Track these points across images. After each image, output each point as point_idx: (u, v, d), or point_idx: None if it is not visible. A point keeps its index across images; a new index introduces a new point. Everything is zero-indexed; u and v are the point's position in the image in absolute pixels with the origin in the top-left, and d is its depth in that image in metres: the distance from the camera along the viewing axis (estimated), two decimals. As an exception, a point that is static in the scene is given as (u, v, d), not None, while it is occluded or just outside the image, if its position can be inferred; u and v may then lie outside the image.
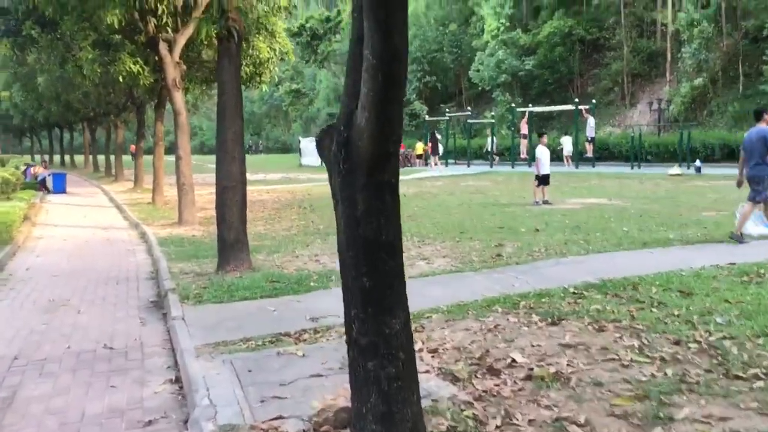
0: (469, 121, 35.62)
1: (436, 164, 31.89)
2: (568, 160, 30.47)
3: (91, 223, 16.40)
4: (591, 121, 28.82)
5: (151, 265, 10.50)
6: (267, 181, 29.19)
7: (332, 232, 12.52)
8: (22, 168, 26.74)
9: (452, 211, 15.34)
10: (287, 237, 12.40)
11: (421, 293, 7.09)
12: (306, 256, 10.13)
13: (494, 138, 32.75)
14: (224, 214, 8.73)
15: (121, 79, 16.50)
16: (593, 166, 27.44)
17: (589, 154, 28.93)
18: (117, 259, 11.22)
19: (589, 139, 29.09)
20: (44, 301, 8.12)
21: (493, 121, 33.78)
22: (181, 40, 14.39)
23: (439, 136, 36.50)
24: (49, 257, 11.42)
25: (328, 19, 63.88)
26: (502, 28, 37.39)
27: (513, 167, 30.59)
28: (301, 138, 45.45)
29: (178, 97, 14.37)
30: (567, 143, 30.67)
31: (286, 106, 68.24)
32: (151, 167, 24.39)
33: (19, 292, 8.62)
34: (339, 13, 62.04)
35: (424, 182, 25.67)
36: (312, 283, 7.95)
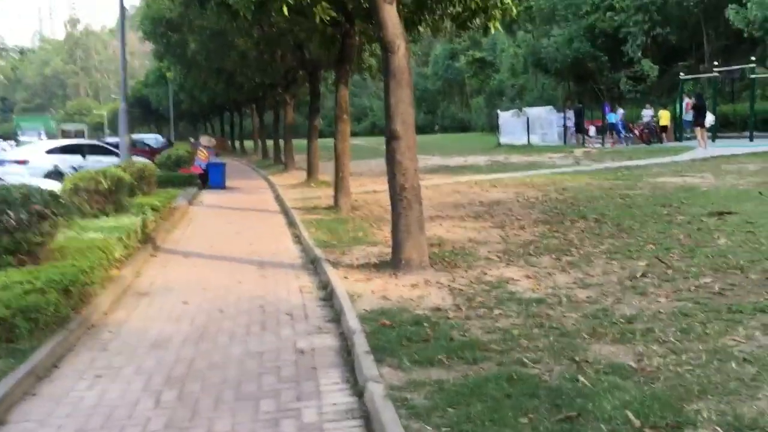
0: (751, 76, 25.81)
1: (703, 138, 22.90)
2: None
3: (244, 250, 9.87)
4: None
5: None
6: (475, 168, 21.83)
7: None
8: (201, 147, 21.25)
9: None
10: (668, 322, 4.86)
11: None
12: None
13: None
14: None
15: (285, 11, 9.61)
16: None
17: None
18: (273, 406, 4.25)
19: None
20: None
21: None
22: None
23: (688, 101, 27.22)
24: (116, 389, 4.69)
25: (516, -25, 55.16)
26: (785, -51, 27.10)
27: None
28: (500, 112, 37.63)
29: (391, 15, 7.27)
30: None
31: (469, 77, 60.56)
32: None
33: None
34: (530, -34, 53.09)
35: (726, 166, 16.98)
36: None
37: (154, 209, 12.24)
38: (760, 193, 11.23)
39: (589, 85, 42.31)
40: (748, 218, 9.06)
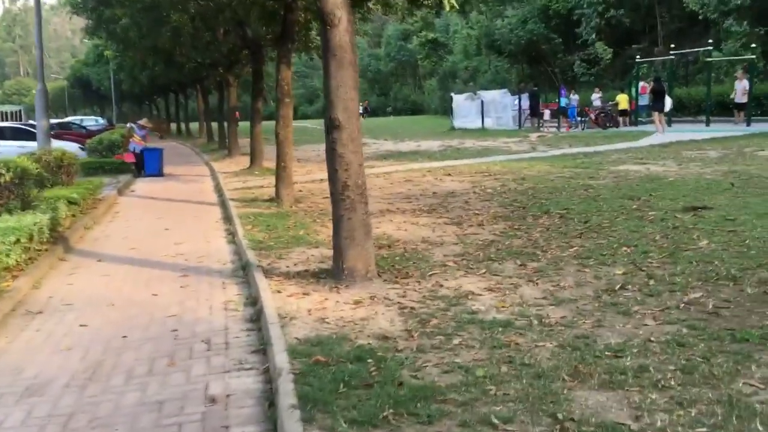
0: (707, 59, 25.31)
1: (661, 123, 22.41)
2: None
3: (169, 251, 8.72)
4: None
5: None
6: (429, 154, 20.87)
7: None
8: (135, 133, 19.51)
9: None
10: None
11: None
12: None
13: (750, 82, 22.65)
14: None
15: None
16: None
17: None
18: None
19: None
20: None
21: (753, 56, 23.38)
22: None
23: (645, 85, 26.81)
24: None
25: (469, -46, 54.09)
26: (739, -71, 26.67)
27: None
28: (453, 95, 36.66)
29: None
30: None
31: (421, 59, 59.48)
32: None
33: None
34: (484, -56, 52.08)
35: (687, 152, 16.39)
36: None
37: (71, 203, 10.97)
38: (732, 184, 10.51)
39: (543, 67, 41.76)
40: (726, 214, 8.28)
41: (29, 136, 19.95)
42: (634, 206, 9.38)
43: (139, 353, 5.04)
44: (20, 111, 68.64)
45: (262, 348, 4.95)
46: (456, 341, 4.65)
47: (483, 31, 44.74)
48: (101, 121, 49.99)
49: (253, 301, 6.16)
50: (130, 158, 19.17)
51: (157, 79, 34.11)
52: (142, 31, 17.71)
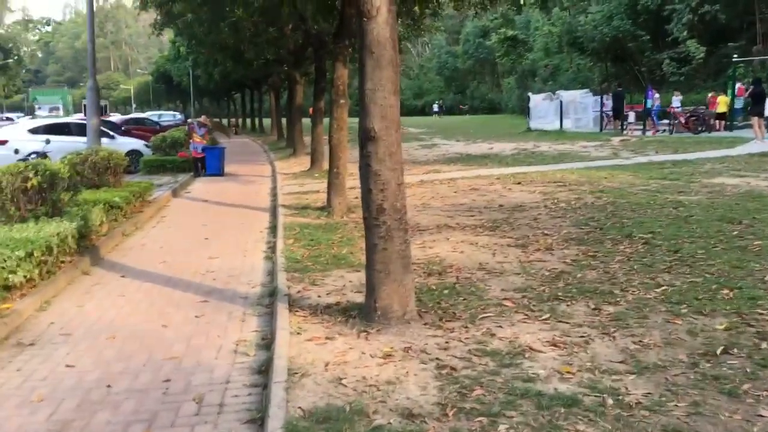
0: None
1: (760, 128, 20.35)
2: None
3: (199, 268, 7.94)
4: None
5: None
6: (500, 159, 19.59)
7: None
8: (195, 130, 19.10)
9: None
10: None
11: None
12: None
13: None
14: None
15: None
16: None
17: None
18: None
19: None
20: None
21: None
22: None
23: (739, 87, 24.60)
24: None
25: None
26: None
27: None
28: (531, 95, 35.02)
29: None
30: None
31: (500, 56, 57.67)
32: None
33: None
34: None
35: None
36: None
37: (114, 207, 10.36)
38: None
39: (629, 66, 39.46)
40: None
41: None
42: (735, 232, 7.96)
43: (116, 413, 4.16)
44: (106, 106, 70.80)
45: (260, 417, 3.98)
46: (502, 427, 3.56)
47: (565, 27, 42.73)
48: (178, 116, 50.68)
49: (269, 343, 5.21)
50: (197, 154, 18.70)
51: (230, 75, 33.97)
52: (205, 26, 17.17)
